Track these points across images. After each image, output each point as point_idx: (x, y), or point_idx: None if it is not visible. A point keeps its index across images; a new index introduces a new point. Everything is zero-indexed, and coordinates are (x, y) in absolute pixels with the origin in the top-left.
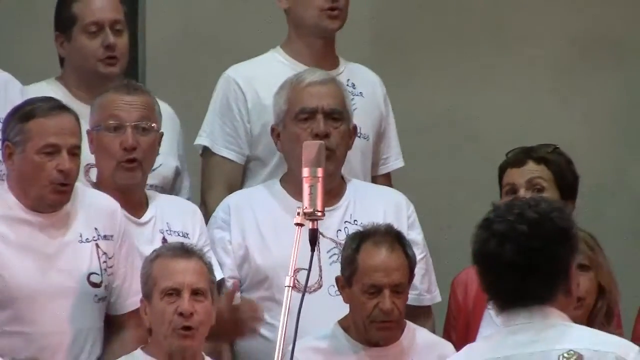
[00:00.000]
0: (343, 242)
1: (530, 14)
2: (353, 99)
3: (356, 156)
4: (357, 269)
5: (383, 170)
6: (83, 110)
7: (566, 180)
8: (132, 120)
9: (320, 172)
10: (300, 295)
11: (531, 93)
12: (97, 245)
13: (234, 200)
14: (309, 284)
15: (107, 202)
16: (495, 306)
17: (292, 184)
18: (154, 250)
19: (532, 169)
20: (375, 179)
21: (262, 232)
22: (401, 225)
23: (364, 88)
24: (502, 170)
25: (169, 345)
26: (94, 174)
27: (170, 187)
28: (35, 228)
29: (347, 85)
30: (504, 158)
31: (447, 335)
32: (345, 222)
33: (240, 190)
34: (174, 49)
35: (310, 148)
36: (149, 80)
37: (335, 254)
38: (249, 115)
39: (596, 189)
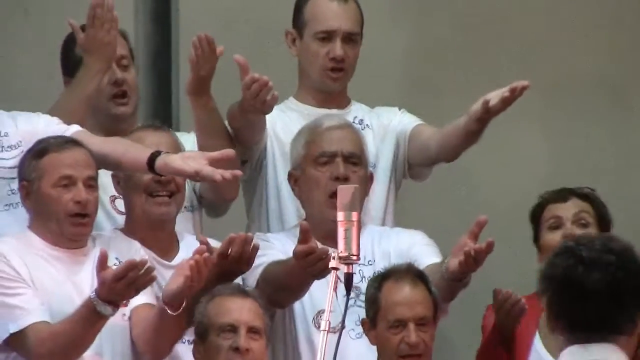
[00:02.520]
0: (358, 284)
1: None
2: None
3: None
4: (380, 306)
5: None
6: None
7: (606, 221)
8: None
9: (355, 216)
10: (322, 334)
11: (558, 136)
12: None
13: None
14: (333, 324)
15: (124, 238)
16: (566, 336)
17: (312, 230)
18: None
19: (577, 204)
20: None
21: None
22: (411, 244)
23: (371, 119)
24: (541, 207)
25: None
26: (120, 203)
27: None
28: (65, 261)
29: (354, 122)
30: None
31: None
32: (360, 264)
33: (263, 234)
34: None
35: (345, 192)
36: (182, 119)
37: (352, 298)
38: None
39: None
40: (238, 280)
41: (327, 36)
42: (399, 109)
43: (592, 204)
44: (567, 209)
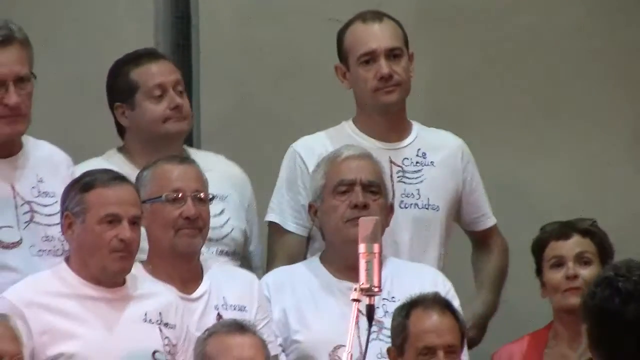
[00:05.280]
0: (381, 319)
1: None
2: (421, 169)
3: (424, 228)
4: (409, 334)
5: (477, 228)
6: None
7: (608, 254)
8: (191, 190)
9: (376, 247)
10: None
11: (585, 165)
12: (161, 329)
13: (272, 278)
14: (354, 359)
15: (166, 293)
16: None
17: (331, 262)
18: (207, 329)
19: (579, 242)
20: (473, 234)
21: (302, 310)
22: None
23: (437, 156)
24: (543, 243)
25: None
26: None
27: (242, 252)
28: (100, 302)
29: (417, 155)
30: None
31: None
32: (384, 299)
33: (280, 267)
34: (228, 122)
35: (367, 224)
36: (204, 138)
37: (374, 332)
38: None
39: None
40: None
41: (370, 58)
42: (463, 152)
43: (593, 239)
44: (569, 248)
